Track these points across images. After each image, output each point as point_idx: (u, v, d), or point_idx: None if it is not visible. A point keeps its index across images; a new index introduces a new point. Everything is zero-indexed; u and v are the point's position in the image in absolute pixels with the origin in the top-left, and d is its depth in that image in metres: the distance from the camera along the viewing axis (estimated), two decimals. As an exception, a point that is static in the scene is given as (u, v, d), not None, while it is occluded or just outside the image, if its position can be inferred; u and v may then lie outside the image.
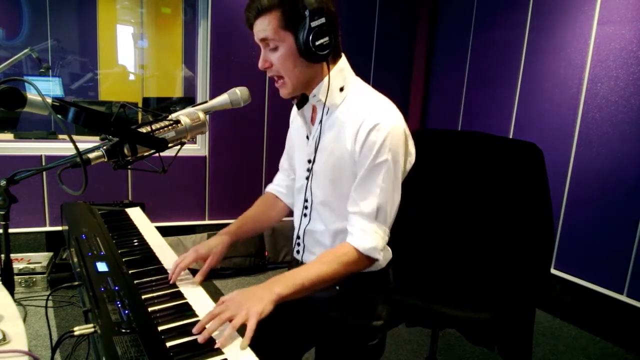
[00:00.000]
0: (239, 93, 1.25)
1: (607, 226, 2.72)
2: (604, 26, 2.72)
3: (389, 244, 1.28)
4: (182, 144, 1.17)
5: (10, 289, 1.09)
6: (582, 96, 2.84)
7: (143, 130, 1.08)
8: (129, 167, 1.10)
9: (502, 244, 1.79)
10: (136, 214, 1.74)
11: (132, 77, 5.28)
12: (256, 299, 1.00)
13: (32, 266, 2.87)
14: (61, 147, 3.16)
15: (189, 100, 4.35)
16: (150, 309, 1.04)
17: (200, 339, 0.92)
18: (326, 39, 1.06)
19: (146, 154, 1.10)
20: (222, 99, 1.25)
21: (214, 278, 3.19)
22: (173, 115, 1.15)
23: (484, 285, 1.81)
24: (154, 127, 1.10)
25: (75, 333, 0.92)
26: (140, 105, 4.44)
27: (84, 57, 4.84)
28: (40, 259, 2.98)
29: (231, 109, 1.27)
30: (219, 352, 0.90)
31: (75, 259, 1.32)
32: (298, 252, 1.33)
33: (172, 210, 3.47)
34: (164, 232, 1.59)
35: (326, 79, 1.13)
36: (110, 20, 4.98)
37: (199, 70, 3.43)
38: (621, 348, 2.66)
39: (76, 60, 4.80)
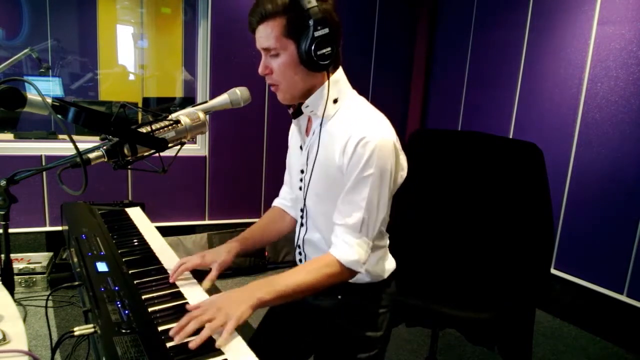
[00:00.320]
0: (239, 93, 1.24)
1: (607, 226, 2.72)
2: (604, 26, 2.72)
3: (391, 252, 1.29)
4: (182, 144, 1.17)
5: (10, 289, 1.08)
6: (582, 96, 2.84)
7: (143, 130, 1.08)
8: (129, 167, 1.10)
9: (502, 244, 1.79)
10: (136, 214, 1.74)
11: (132, 77, 5.28)
12: (236, 303, 0.99)
13: (32, 266, 2.87)
14: (61, 147, 3.16)
15: (189, 100, 4.35)
16: (150, 309, 1.04)
17: (177, 340, 0.91)
18: (328, 49, 1.05)
19: (146, 154, 1.10)
20: (222, 99, 1.24)
21: (214, 278, 3.19)
22: (173, 115, 1.15)
23: (484, 285, 1.81)
24: (154, 127, 1.10)
25: (75, 333, 0.92)
26: (140, 105, 4.44)
27: (84, 57, 4.84)
28: (40, 259, 2.98)
29: (231, 109, 1.27)
30: (219, 352, 0.90)
31: (75, 259, 1.32)
32: (300, 260, 1.35)
33: (172, 210, 3.47)
34: (164, 232, 1.58)
35: (321, 89, 1.13)
36: (110, 20, 4.98)
37: (199, 70, 3.43)
38: (621, 348, 2.66)
39: (76, 60, 4.80)
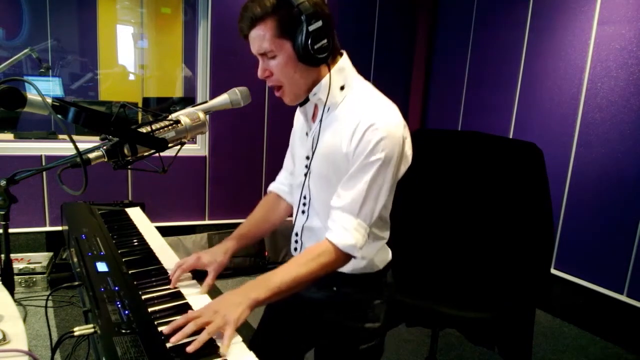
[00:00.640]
0: (239, 93, 1.24)
1: (607, 226, 2.72)
2: (604, 26, 2.72)
3: (389, 244, 1.28)
4: (182, 144, 1.17)
5: (10, 289, 1.08)
6: (582, 96, 2.84)
7: (143, 130, 1.08)
8: (129, 167, 1.10)
9: (502, 244, 1.79)
10: (136, 214, 1.74)
11: (132, 77, 5.28)
12: (233, 305, 0.98)
13: (32, 266, 2.87)
14: (61, 147, 3.16)
15: (189, 100, 4.35)
16: (150, 309, 1.04)
17: (173, 340, 0.91)
18: (324, 41, 1.05)
19: (146, 154, 1.10)
20: (222, 99, 1.24)
21: (214, 278, 3.19)
22: (173, 115, 1.15)
23: (484, 285, 1.81)
24: (154, 127, 1.10)
25: (75, 333, 0.92)
26: (140, 105, 4.44)
27: (84, 57, 4.85)
28: (40, 259, 2.98)
29: (231, 109, 1.27)
30: (219, 352, 0.90)
31: (75, 259, 1.31)
32: (296, 249, 1.33)
33: (172, 210, 3.47)
34: (164, 232, 1.58)
35: (326, 77, 1.12)
36: (110, 20, 4.99)
37: (199, 70, 3.43)
38: (621, 348, 2.66)
39: (76, 60, 4.81)
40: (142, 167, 1.14)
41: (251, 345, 0.95)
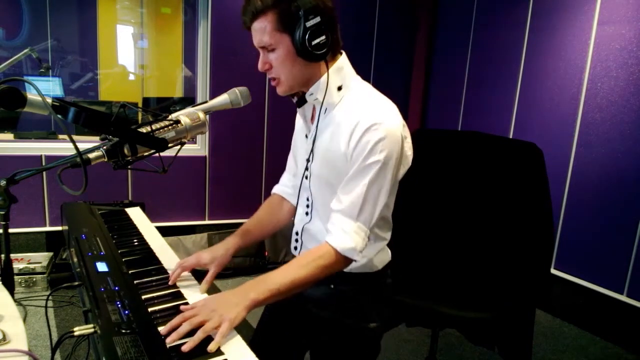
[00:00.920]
0: (239, 93, 1.24)
1: (607, 226, 2.73)
2: (604, 26, 2.72)
3: (389, 244, 1.28)
4: (182, 144, 1.17)
5: (10, 289, 1.08)
6: (582, 96, 2.84)
7: (143, 130, 1.07)
8: (129, 167, 1.10)
9: (502, 244, 1.79)
10: (136, 214, 1.74)
11: (132, 77, 5.28)
12: (230, 305, 0.99)
13: (32, 266, 2.88)
14: (61, 147, 3.16)
15: (189, 100, 4.35)
16: (150, 309, 1.04)
17: (169, 340, 0.91)
18: (322, 38, 1.04)
19: (146, 154, 1.10)
20: (222, 99, 1.24)
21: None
22: (173, 115, 1.15)
23: (484, 285, 1.81)
24: (154, 127, 1.10)
25: (75, 333, 0.91)
26: (140, 105, 4.44)
27: (84, 57, 4.85)
28: (40, 259, 2.98)
29: (231, 109, 1.27)
30: (218, 352, 0.90)
31: (75, 259, 1.31)
32: (295, 248, 1.33)
33: (172, 210, 3.47)
34: (164, 232, 1.58)
35: (324, 77, 1.12)
36: (110, 20, 4.98)
37: (199, 70, 3.43)
38: (621, 348, 2.66)
39: (76, 60, 4.80)
40: (142, 167, 1.14)
41: (251, 344, 0.94)
